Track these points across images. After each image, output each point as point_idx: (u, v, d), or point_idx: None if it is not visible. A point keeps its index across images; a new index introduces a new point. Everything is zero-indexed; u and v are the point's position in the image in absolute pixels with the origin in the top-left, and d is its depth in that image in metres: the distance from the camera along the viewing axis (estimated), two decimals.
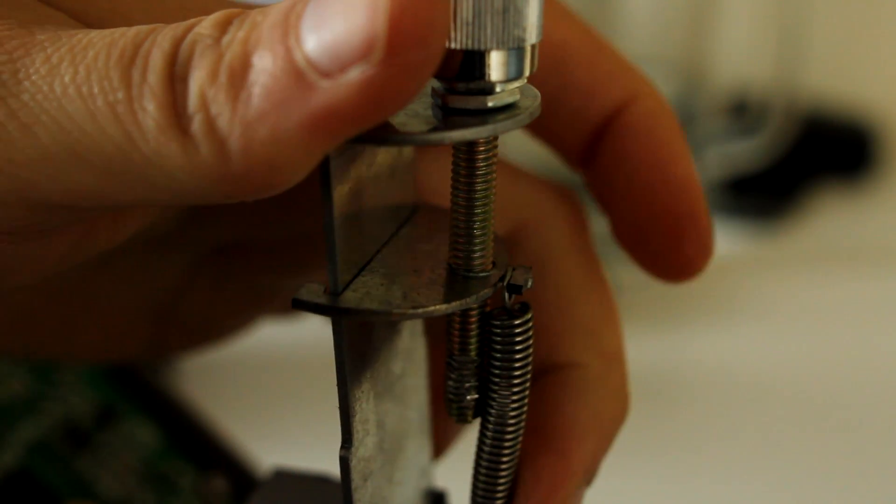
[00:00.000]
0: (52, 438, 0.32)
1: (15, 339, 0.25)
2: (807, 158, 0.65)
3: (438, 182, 0.21)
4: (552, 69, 0.22)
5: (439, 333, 0.21)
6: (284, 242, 0.25)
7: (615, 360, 0.22)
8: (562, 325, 0.22)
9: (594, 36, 0.22)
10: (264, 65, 0.15)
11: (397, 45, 0.14)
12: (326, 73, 0.15)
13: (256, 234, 0.24)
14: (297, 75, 0.15)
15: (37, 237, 0.18)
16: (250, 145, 0.15)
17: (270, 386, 0.48)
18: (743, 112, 0.61)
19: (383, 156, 0.19)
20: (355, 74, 0.15)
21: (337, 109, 0.15)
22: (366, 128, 0.15)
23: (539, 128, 0.23)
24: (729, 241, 0.59)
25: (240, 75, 0.15)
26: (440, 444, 0.24)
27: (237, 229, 0.24)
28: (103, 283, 0.24)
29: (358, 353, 0.19)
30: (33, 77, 0.16)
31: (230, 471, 0.34)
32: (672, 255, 0.22)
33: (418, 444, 0.23)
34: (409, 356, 0.22)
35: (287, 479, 0.25)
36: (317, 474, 0.25)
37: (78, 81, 0.16)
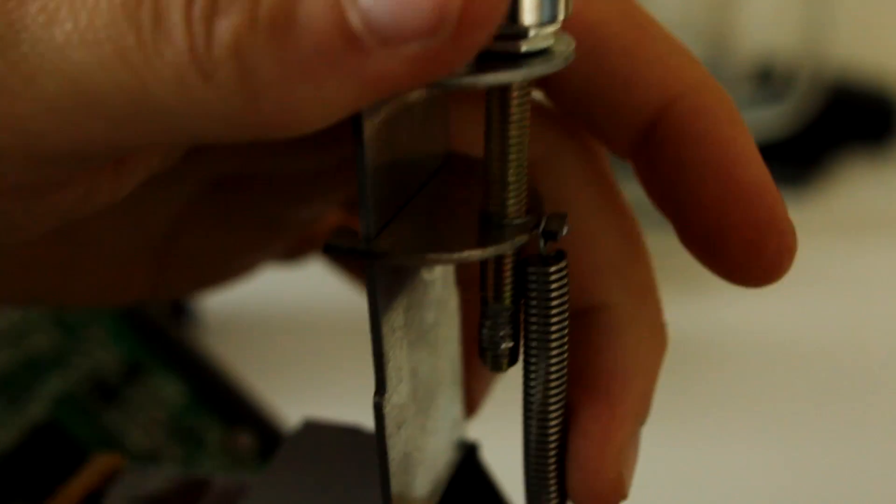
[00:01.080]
0: (79, 392, 0.32)
1: (16, 287, 0.25)
2: (832, 127, 0.65)
3: (471, 135, 0.21)
4: (585, 54, 0.20)
5: (473, 284, 0.21)
6: (288, 176, 0.24)
7: (647, 293, 0.22)
8: (586, 264, 0.21)
9: (636, 16, 0.20)
10: (312, 17, 0.14)
11: (469, 23, 0.14)
12: (384, 41, 0.14)
13: (259, 167, 0.24)
14: (350, 37, 0.14)
15: (43, 192, 0.18)
16: (285, 97, 0.15)
17: (297, 343, 0.48)
18: (768, 79, 0.61)
19: (416, 101, 0.19)
20: (415, 48, 0.14)
21: (386, 77, 0.14)
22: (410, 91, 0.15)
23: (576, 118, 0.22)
24: None
25: (283, 25, 0.14)
26: (473, 401, 0.24)
27: (239, 162, 0.23)
28: (102, 224, 0.24)
29: (391, 299, 0.19)
30: (31, 28, 0.15)
31: (257, 427, 0.34)
32: (753, 265, 0.20)
33: (450, 395, 0.23)
34: (442, 306, 0.22)
35: (317, 430, 0.25)
36: (348, 425, 0.25)
37: (81, 28, 0.15)
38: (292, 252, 0.29)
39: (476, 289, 0.20)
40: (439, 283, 0.21)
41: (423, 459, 0.21)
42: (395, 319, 0.19)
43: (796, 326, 0.53)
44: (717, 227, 0.20)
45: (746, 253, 0.20)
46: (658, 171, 0.20)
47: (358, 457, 0.24)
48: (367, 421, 0.20)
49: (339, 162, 0.23)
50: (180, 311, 0.46)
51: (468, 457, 0.24)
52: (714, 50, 0.61)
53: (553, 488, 0.21)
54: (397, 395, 0.20)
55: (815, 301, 0.55)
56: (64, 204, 0.18)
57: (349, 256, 0.18)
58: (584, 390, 0.21)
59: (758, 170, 0.20)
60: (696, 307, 0.52)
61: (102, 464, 0.26)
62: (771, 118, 0.58)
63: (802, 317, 0.54)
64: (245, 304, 0.48)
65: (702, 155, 0.20)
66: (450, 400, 0.23)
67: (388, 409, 0.19)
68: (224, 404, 0.34)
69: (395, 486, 0.20)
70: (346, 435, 0.25)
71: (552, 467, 0.21)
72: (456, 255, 0.18)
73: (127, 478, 0.26)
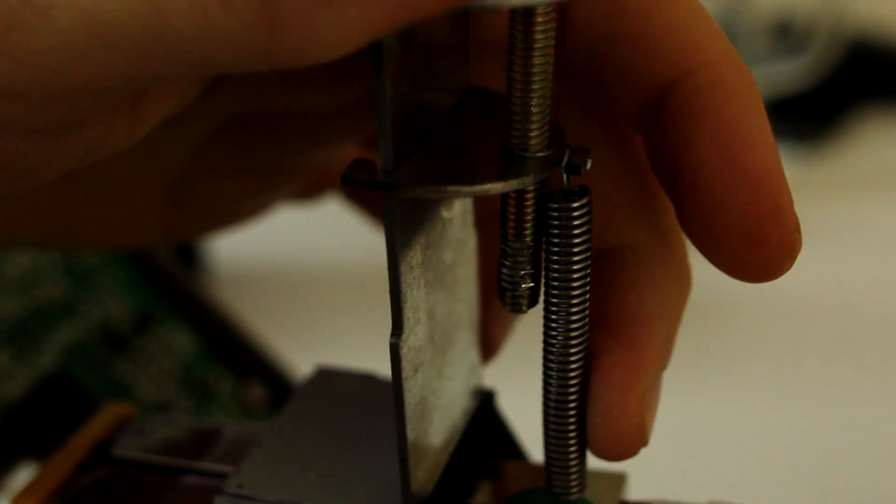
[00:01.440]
0: (89, 342, 0.32)
1: (30, 229, 0.25)
2: (851, 83, 0.64)
3: (492, 73, 0.20)
4: (604, 11, 0.19)
5: (492, 225, 0.20)
6: (304, 115, 0.24)
7: (671, 233, 0.21)
8: (609, 205, 0.20)
9: None
10: None
11: None
12: None
13: (274, 104, 0.23)
14: None
15: (60, 132, 0.17)
16: (306, 23, 0.14)
17: (310, 295, 0.48)
18: (787, 32, 0.60)
19: (436, 29, 0.18)
20: None
21: (414, 4, 0.14)
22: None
23: (585, 85, 0.20)
24: None
25: None
26: (492, 345, 0.23)
27: (254, 100, 0.23)
28: (117, 166, 0.24)
29: (409, 236, 0.18)
30: None
31: (268, 378, 0.34)
32: (751, 258, 0.18)
33: (468, 340, 0.22)
34: (460, 247, 0.21)
35: (330, 377, 0.24)
36: (362, 372, 0.24)
37: None
38: (308, 192, 0.28)
39: (495, 230, 0.20)
40: (458, 222, 0.21)
41: (440, 405, 0.21)
42: (412, 257, 0.18)
43: (811, 280, 0.52)
44: (715, 213, 0.18)
45: (744, 245, 0.18)
46: (663, 145, 0.19)
47: (372, 403, 0.23)
48: (382, 371, 0.19)
49: (356, 101, 0.23)
50: (190, 261, 0.45)
51: (485, 404, 0.23)
52: (733, 2, 0.60)
53: (573, 435, 0.20)
54: (414, 336, 0.19)
55: (831, 257, 0.54)
56: (82, 145, 0.18)
57: (367, 188, 0.17)
58: (607, 334, 0.20)
59: (766, 156, 0.18)
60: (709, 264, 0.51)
61: (113, 412, 0.26)
62: (788, 72, 0.57)
63: (818, 271, 0.53)
64: (256, 256, 0.47)
65: (708, 134, 0.18)
66: (467, 345, 0.22)
67: (405, 351, 0.19)
68: (235, 355, 0.34)
69: (411, 431, 0.19)
70: (359, 382, 0.24)
71: (572, 414, 0.20)
72: (476, 188, 0.17)
73: (137, 426, 0.26)
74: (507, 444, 0.24)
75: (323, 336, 0.44)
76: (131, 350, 0.32)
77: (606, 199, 0.20)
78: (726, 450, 0.41)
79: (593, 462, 0.22)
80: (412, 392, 0.19)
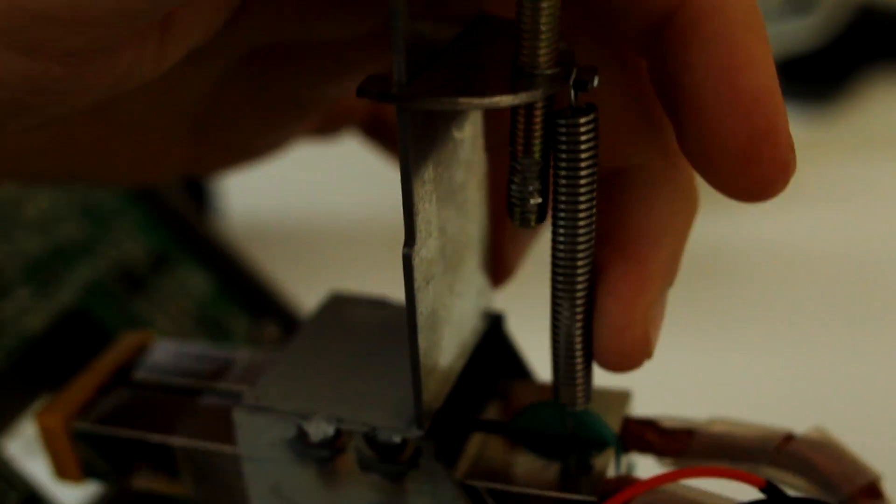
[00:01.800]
0: (107, 280, 0.32)
1: (54, 164, 0.26)
2: (861, 43, 0.64)
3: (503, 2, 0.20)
4: None
5: (502, 151, 0.21)
6: (322, 47, 0.24)
7: (677, 155, 0.21)
8: (616, 125, 0.21)
9: None
10: None
11: None
12: None
13: (294, 35, 0.24)
14: None
15: (92, 58, 0.18)
16: None
17: (321, 240, 0.48)
18: None
19: None
20: None
21: None
22: None
23: (591, 10, 0.21)
24: None
25: None
26: (507, 266, 0.24)
27: (274, 31, 0.23)
28: (140, 101, 0.24)
29: (421, 149, 0.19)
30: None
31: (283, 318, 0.34)
32: (745, 177, 0.19)
33: (478, 262, 0.23)
34: (471, 168, 0.22)
35: (344, 302, 0.25)
36: (375, 297, 0.25)
37: None
38: (325, 128, 0.29)
39: (505, 156, 0.20)
40: (468, 143, 0.21)
41: (450, 320, 0.22)
42: (425, 171, 0.19)
43: (821, 238, 0.53)
44: (712, 132, 0.19)
45: (739, 163, 0.19)
46: (665, 69, 0.20)
47: (385, 325, 0.24)
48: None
49: (373, 32, 0.23)
50: (203, 204, 0.46)
51: (494, 326, 0.24)
52: None
53: (579, 347, 0.21)
54: (426, 249, 0.20)
55: (840, 215, 0.55)
56: (113, 71, 0.18)
57: (381, 100, 0.18)
58: (613, 250, 0.21)
59: (763, 78, 0.19)
60: (722, 220, 0.52)
61: (132, 339, 0.27)
62: (797, 31, 0.58)
63: (827, 230, 0.54)
64: (268, 199, 0.48)
65: (707, 56, 0.19)
66: (476, 266, 0.23)
67: (417, 262, 0.19)
68: (250, 295, 0.35)
69: (423, 341, 0.20)
70: (372, 305, 0.25)
71: (579, 326, 0.21)
72: (487, 100, 0.18)
73: (156, 352, 0.26)
74: (516, 366, 0.25)
75: (335, 280, 0.45)
76: (148, 289, 0.33)
77: (612, 121, 0.21)
78: (729, 390, 0.42)
79: (599, 380, 0.23)
80: (424, 303, 0.20)
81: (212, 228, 0.36)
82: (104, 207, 0.33)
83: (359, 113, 0.29)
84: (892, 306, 0.49)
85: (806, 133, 0.59)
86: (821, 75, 0.62)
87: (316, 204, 0.48)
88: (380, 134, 0.29)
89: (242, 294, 0.34)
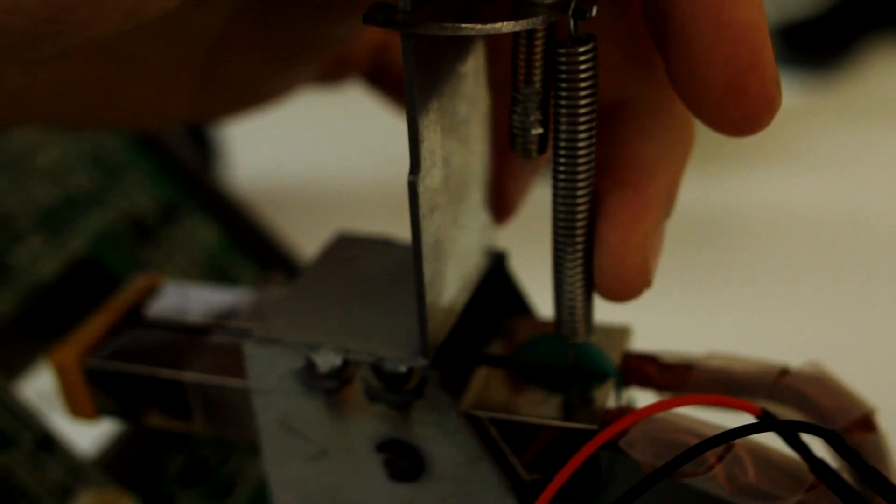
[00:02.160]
0: (117, 229, 0.33)
1: (66, 105, 0.26)
2: (862, 10, 0.64)
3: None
4: None
5: (505, 90, 0.21)
6: None
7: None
8: (613, 58, 0.21)
9: None
10: None
11: None
12: None
13: None
14: None
15: None
16: None
17: (326, 195, 0.49)
18: None
19: None
20: None
21: None
22: None
23: None
24: (784, 92, 0.59)
25: None
26: (510, 202, 0.24)
27: None
28: (148, 39, 0.25)
29: (426, 78, 0.19)
30: None
31: (288, 269, 0.35)
32: (732, 109, 0.19)
33: (480, 198, 0.23)
34: (474, 103, 0.22)
35: (350, 241, 0.26)
36: (380, 237, 0.25)
37: None
38: (330, 75, 0.29)
39: (506, 95, 0.21)
40: (471, 78, 0.22)
41: (454, 252, 0.22)
42: (429, 101, 0.20)
43: (822, 203, 0.53)
44: (699, 65, 0.19)
45: (725, 95, 0.19)
46: (656, 5, 0.20)
47: (391, 262, 0.25)
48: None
49: None
50: (208, 155, 0.46)
51: (496, 265, 0.25)
52: None
53: (580, 279, 0.22)
54: (430, 178, 0.20)
55: (840, 180, 0.55)
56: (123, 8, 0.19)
57: (385, 26, 0.18)
58: (611, 179, 0.21)
59: (750, 12, 0.19)
60: (725, 184, 0.52)
61: (143, 281, 0.27)
62: None
63: (828, 194, 0.54)
64: (275, 159, 0.49)
65: None
66: (480, 202, 0.23)
67: (422, 190, 0.20)
68: (257, 248, 0.35)
69: (428, 269, 0.21)
70: (378, 244, 0.25)
71: (579, 256, 0.21)
72: (489, 26, 0.18)
73: (166, 294, 0.27)
74: (518, 304, 0.25)
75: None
76: (157, 239, 0.34)
77: (608, 55, 0.21)
78: (729, 336, 0.42)
79: (600, 316, 0.23)
80: (429, 231, 0.20)
81: (220, 181, 0.36)
82: (115, 158, 0.34)
83: (363, 60, 0.29)
84: (886, 266, 0.49)
85: (807, 100, 0.60)
86: (822, 42, 0.62)
87: (321, 161, 0.49)
88: (383, 82, 0.30)
89: (250, 245, 0.35)
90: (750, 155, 0.54)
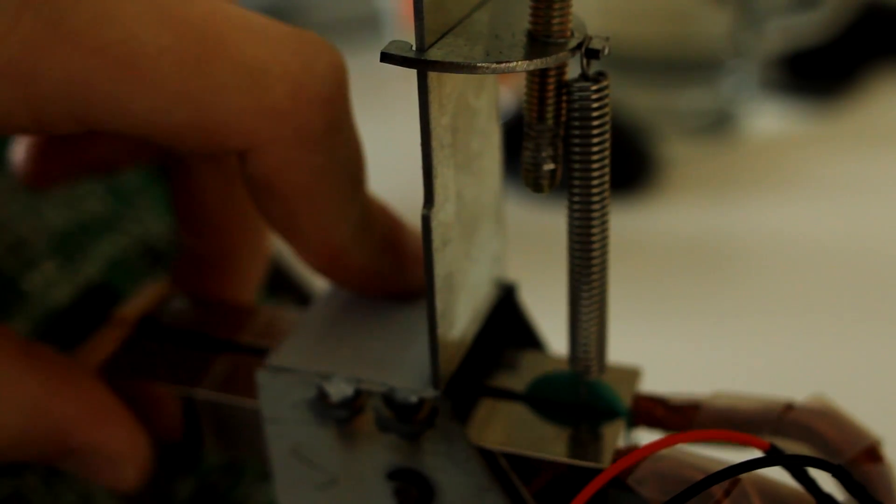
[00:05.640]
0: (130, 255, 0.33)
1: (69, 105, 0.26)
2: (866, 39, 0.65)
3: None
4: None
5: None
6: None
7: None
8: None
9: None
10: None
11: None
12: None
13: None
14: None
15: None
16: None
17: None
18: None
19: None
20: None
21: None
22: None
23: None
24: (787, 119, 0.59)
25: None
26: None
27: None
28: None
29: (440, 116, 0.20)
30: None
31: (298, 296, 0.35)
32: None
33: (492, 230, 0.24)
34: (487, 138, 0.22)
35: None
36: None
37: None
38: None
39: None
40: (484, 113, 0.22)
41: (465, 285, 0.22)
42: (443, 136, 0.20)
43: (824, 231, 0.54)
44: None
45: None
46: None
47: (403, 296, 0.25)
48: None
49: None
50: None
51: (507, 296, 0.25)
52: None
53: (595, 316, 0.22)
54: (443, 212, 0.20)
55: (845, 209, 0.55)
56: None
57: (402, 65, 0.18)
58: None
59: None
60: (727, 212, 0.53)
61: (154, 290, 0.28)
62: (806, 24, 0.58)
63: (835, 223, 0.54)
64: None
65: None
66: (491, 234, 0.24)
67: (435, 225, 0.20)
68: (270, 277, 0.35)
69: (440, 302, 0.21)
70: None
71: (596, 293, 0.22)
72: (504, 65, 0.18)
73: (178, 302, 0.27)
74: (527, 336, 0.26)
75: None
76: (169, 265, 0.34)
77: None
78: (734, 372, 0.42)
79: (611, 358, 0.23)
80: (441, 264, 0.21)
81: None
82: (128, 185, 0.34)
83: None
84: (893, 293, 0.50)
85: (812, 127, 0.60)
86: (827, 70, 0.62)
87: None
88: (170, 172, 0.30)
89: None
90: (756, 183, 0.54)
